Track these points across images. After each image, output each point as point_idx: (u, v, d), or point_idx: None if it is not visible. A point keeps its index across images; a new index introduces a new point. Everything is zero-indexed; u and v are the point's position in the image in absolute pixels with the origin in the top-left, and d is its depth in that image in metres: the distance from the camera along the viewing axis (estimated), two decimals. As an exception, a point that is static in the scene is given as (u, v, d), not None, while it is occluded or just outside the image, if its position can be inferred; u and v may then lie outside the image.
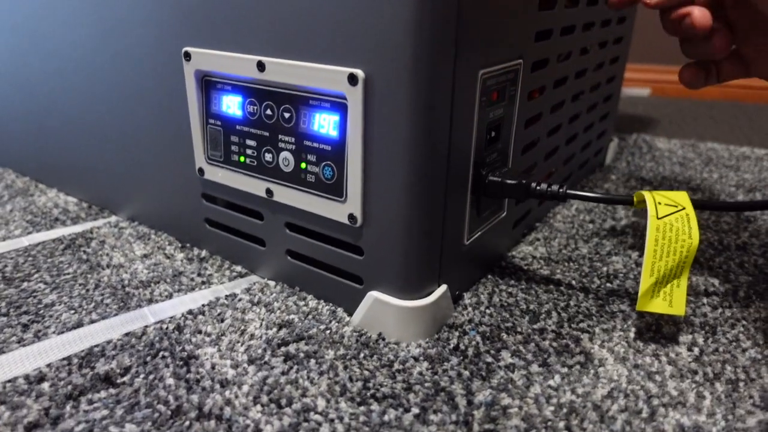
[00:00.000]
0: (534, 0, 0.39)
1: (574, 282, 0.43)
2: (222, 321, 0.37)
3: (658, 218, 0.33)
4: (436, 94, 0.31)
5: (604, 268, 0.45)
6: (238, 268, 0.44)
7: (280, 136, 0.37)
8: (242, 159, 0.40)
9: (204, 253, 0.47)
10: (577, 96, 0.55)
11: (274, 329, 0.37)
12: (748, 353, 0.35)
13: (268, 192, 0.39)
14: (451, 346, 0.35)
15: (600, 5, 0.52)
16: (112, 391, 0.31)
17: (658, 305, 0.34)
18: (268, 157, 0.38)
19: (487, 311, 0.39)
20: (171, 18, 0.39)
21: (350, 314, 0.38)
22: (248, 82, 0.37)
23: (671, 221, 0.33)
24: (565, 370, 0.33)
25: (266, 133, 0.38)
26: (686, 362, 0.34)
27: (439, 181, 0.34)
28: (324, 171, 0.36)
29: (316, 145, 0.35)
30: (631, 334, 0.37)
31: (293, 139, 0.36)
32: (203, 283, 0.42)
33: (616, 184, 0.64)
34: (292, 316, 0.38)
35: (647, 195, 0.35)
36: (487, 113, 0.37)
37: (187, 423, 0.29)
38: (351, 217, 0.35)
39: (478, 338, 0.36)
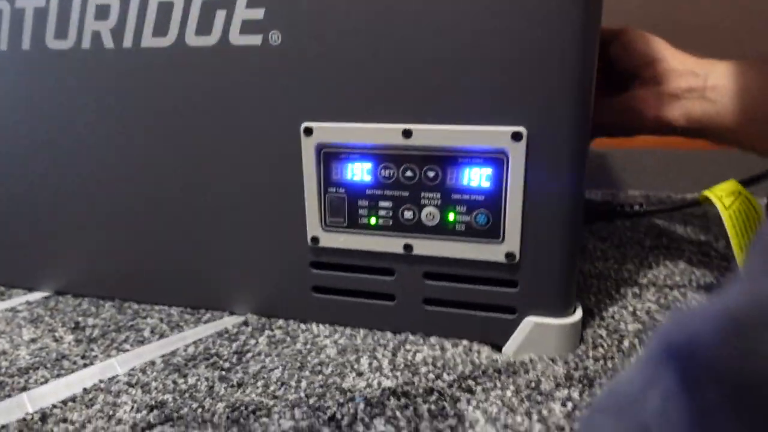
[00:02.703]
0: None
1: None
2: (91, 406, 0.36)
3: (726, 208, 0.41)
4: (584, 142, 0.37)
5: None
6: (127, 346, 0.43)
7: (422, 194, 0.40)
8: (374, 221, 0.41)
9: (95, 332, 0.46)
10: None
11: (145, 411, 0.36)
12: (620, 405, 0.35)
13: (407, 247, 0.41)
14: (327, 416, 0.35)
15: None
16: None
17: None
18: (408, 214, 0.40)
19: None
20: (290, 96, 0.40)
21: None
22: (385, 149, 0.39)
23: (737, 206, 0.41)
24: (434, 435, 0.33)
25: (405, 193, 0.40)
26: (557, 419, 0.34)
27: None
28: (477, 218, 0.39)
29: (466, 197, 0.39)
30: (509, 393, 0.36)
31: (438, 195, 0.39)
32: (86, 365, 0.41)
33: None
34: (166, 396, 0.37)
35: (709, 194, 0.43)
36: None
37: None
38: (509, 255, 0.39)
39: (362, 405, 0.35)
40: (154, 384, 0.38)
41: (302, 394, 0.37)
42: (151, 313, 0.49)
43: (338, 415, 0.35)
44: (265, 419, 0.35)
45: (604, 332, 0.43)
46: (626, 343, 0.42)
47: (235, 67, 0.40)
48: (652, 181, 0.92)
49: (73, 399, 0.37)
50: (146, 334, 0.45)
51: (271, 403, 0.36)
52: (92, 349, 0.43)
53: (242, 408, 0.36)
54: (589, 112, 0.36)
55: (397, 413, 0.35)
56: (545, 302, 0.40)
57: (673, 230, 0.65)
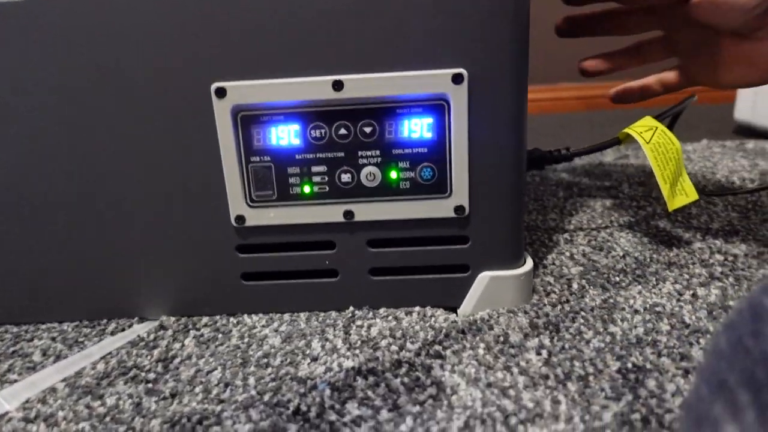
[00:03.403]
0: None
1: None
2: (-22, 456, 0.28)
3: (647, 143, 0.41)
4: (524, 84, 0.35)
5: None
6: (13, 376, 0.35)
7: (360, 153, 0.36)
8: (308, 190, 0.37)
9: (-36, 367, 0.36)
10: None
11: (56, 448, 0.28)
12: (592, 344, 0.34)
13: (348, 214, 0.37)
14: (290, 410, 0.30)
15: None
16: None
17: (680, 200, 0.42)
18: (346, 177, 0.36)
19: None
20: (194, 52, 0.34)
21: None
22: (313, 105, 0.35)
23: (656, 139, 0.41)
24: (417, 408, 0.29)
25: (340, 154, 0.36)
26: (537, 368, 0.32)
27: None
28: (422, 173, 0.36)
29: (408, 151, 0.36)
30: (480, 351, 0.34)
31: (377, 152, 0.36)
32: (-41, 408, 0.32)
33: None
34: (81, 425, 0.30)
35: (629, 131, 0.43)
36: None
37: None
38: (458, 209, 0.37)
39: (327, 391, 0.31)
40: (61, 414, 0.31)
41: (253, 392, 0.32)
42: (38, 334, 0.40)
43: (303, 407, 0.30)
44: (216, 428, 0.29)
45: (551, 279, 0.43)
46: (575, 285, 0.42)
47: (116, 20, 0.33)
48: (544, 143, 0.96)
49: (-51, 452, 0.29)
50: (36, 358, 0.37)
51: (219, 408, 0.31)
52: (-35, 388, 0.34)
53: (184, 420, 0.30)
54: (527, 50, 0.35)
55: (369, 393, 0.31)
56: (498, 255, 0.38)
57: (580, 180, 0.68)
